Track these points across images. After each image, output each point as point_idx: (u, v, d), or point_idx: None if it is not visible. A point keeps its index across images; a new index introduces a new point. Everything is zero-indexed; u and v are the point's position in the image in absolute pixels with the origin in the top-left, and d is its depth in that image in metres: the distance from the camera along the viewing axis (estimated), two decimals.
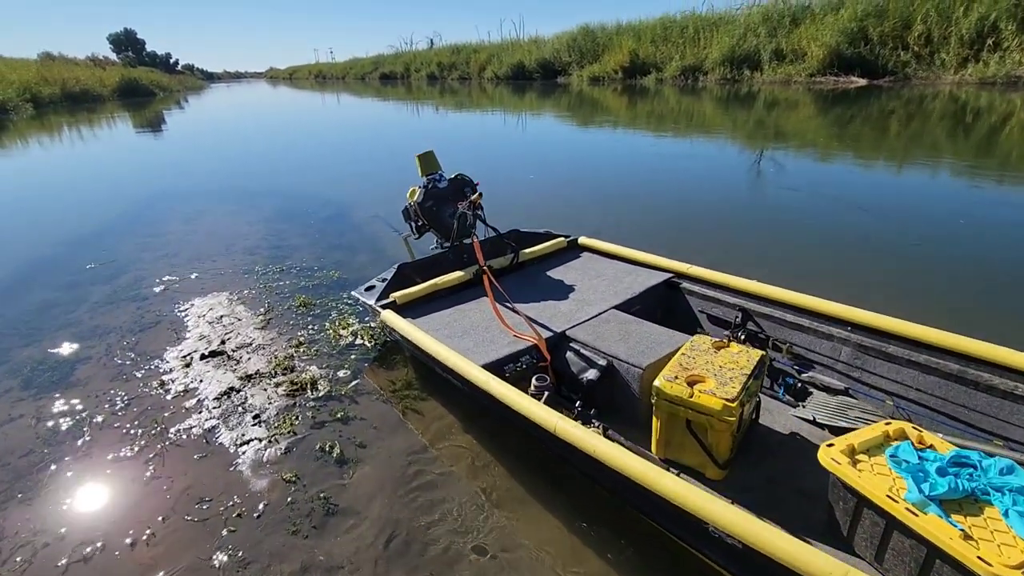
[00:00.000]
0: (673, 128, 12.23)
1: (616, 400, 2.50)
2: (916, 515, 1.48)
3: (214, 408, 2.74)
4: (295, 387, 2.86)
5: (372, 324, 3.50)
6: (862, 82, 17.01)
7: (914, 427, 1.85)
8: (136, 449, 2.49)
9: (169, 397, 2.87)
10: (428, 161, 3.56)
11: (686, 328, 2.85)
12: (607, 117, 14.94)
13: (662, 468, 1.78)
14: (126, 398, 2.89)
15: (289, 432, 2.53)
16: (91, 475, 2.36)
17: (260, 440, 2.49)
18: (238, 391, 2.87)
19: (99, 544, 2.00)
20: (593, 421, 2.25)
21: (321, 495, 2.17)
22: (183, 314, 3.85)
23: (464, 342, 2.68)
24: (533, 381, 2.40)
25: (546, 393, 2.34)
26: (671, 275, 3.19)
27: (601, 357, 2.52)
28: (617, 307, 2.92)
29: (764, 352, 2.28)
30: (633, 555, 1.91)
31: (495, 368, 2.47)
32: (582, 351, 2.60)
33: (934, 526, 1.44)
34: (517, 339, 2.68)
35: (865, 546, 1.68)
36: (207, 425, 2.62)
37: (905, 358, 2.31)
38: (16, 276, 4.83)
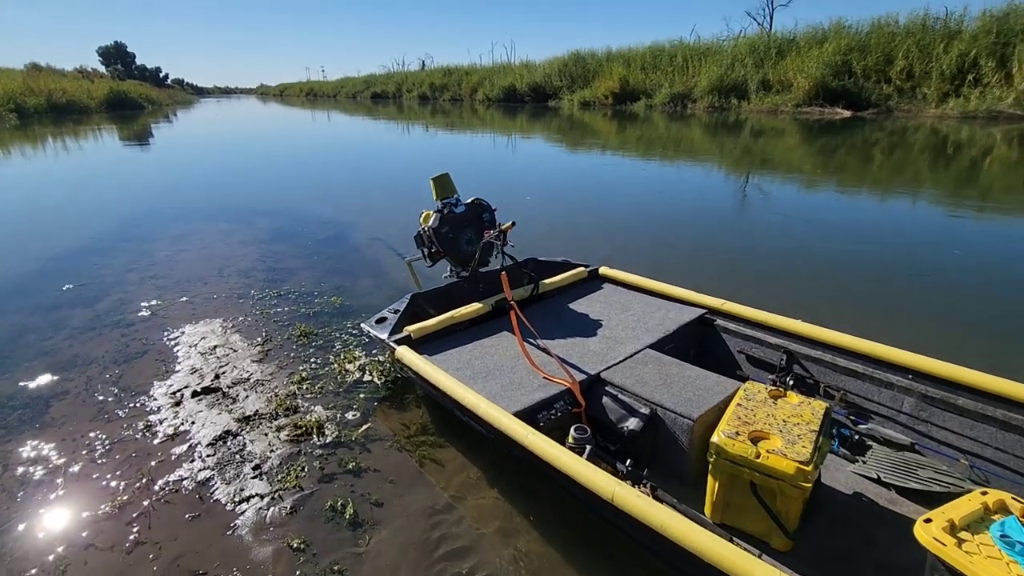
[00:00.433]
0: (662, 153, 12.23)
1: (660, 453, 2.25)
2: None
3: (208, 456, 2.42)
4: (299, 431, 2.56)
5: (381, 358, 3.21)
6: (847, 113, 17.31)
7: (1015, 498, 1.63)
8: (118, 506, 2.16)
9: (156, 442, 2.55)
10: (443, 184, 3.32)
11: (724, 369, 2.63)
12: (598, 141, 14.92)
13: (725, 538, 1.55)
14: (107, 442, 2.56)
15: (294, 487, 2.23)
16: (65, 538, 2.02)
17: (262, 497, 2.18)
18: (235, 435, 2.55)
19: None
20: (644, 481, 1.99)
21: (335, 567, 1.87)
22: (172, 343, 3.52)
23: (490, 384, 2.42)
24: (572, 433, 2.14)
25: (588, 447, 2.08)
26: (704, 311, 2.98)
27: (643, 404, 2.27)
28: (651, 346, 2.69)
29: (828, 405, 2.05)
30: None
31: (528, 416, 2.21)
32: (620, 397, 2.36)
33: None
34: (548, 382, 2.42)
35: None
36: (200, 477, 2.30)
37: (979, 412, 2.10)
38: None
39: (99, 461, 2.43)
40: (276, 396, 2.85)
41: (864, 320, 3.55)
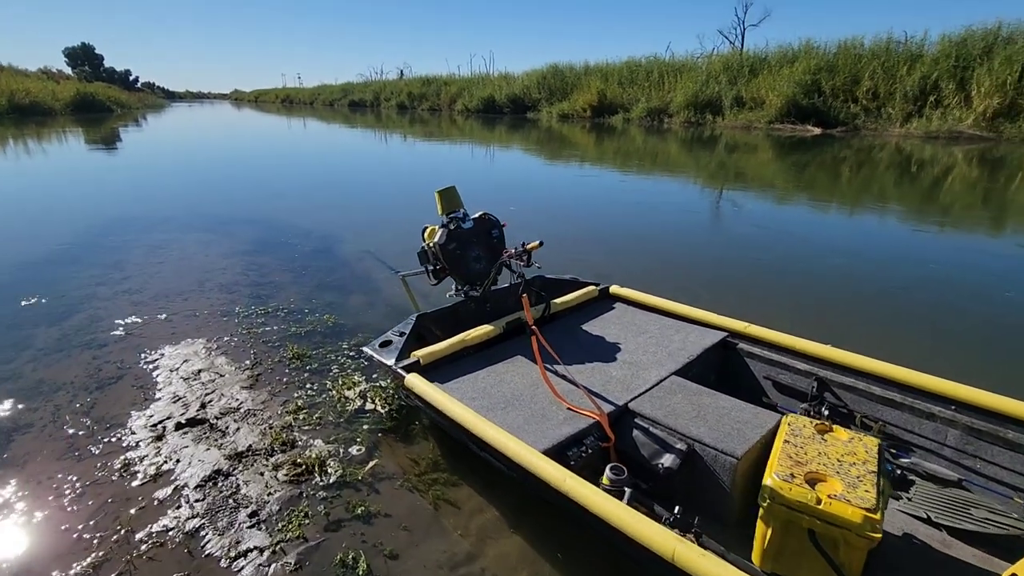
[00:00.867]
0: (639, 165, 12.25)
1: (696, 492, 2.07)
2: None
3: (197, 501, 2.14)
4: (299, 470, 2.29)
5: (383, 383, 2.97)
6: (817, 131, 17.70)
7: None
8: (93, 564, 1.87)
9: (136, 484, 2.25)
10: (449, 198, 3.10)
11: (749, 397, 2.48)
12: (578, 153, 14.88)
13: None
14: (79, 485, 2.25)
15: (298, 537, 1.97)
16: None
17: (261, 550, 1.91)
18: (227, 475, 2.27)
19: None
20: (694, 529, 1.80)
21: None
22: (151, 367, 3.20)
23: (511, 416, 2.21)
24: (608, 473, 1.95)
25: (627, 491, 1.88)
26: (726, 334, 2.83)
27: (678, 439, 2.09)
28: (676, 372, 2.52)
29: (880, 441, 1.91)
30: None
31: (558, 454, 2.01)
32: (652, 430, 2.17)
33: None
34: (573, 413, 2.23)
35: None
36: (189, 527, 2.02)
37: None
38: None
39: (70, 508, 2.13)
40: (271, 428, 2.57)
41: (843, 332, 3.46)
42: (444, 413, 2.19)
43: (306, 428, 2.60)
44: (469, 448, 2.35)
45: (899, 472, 2.19)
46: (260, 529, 2.00)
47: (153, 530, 2.01)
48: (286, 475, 2.27)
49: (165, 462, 2.37)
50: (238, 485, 2.22)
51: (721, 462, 1.98)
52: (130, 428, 2.61)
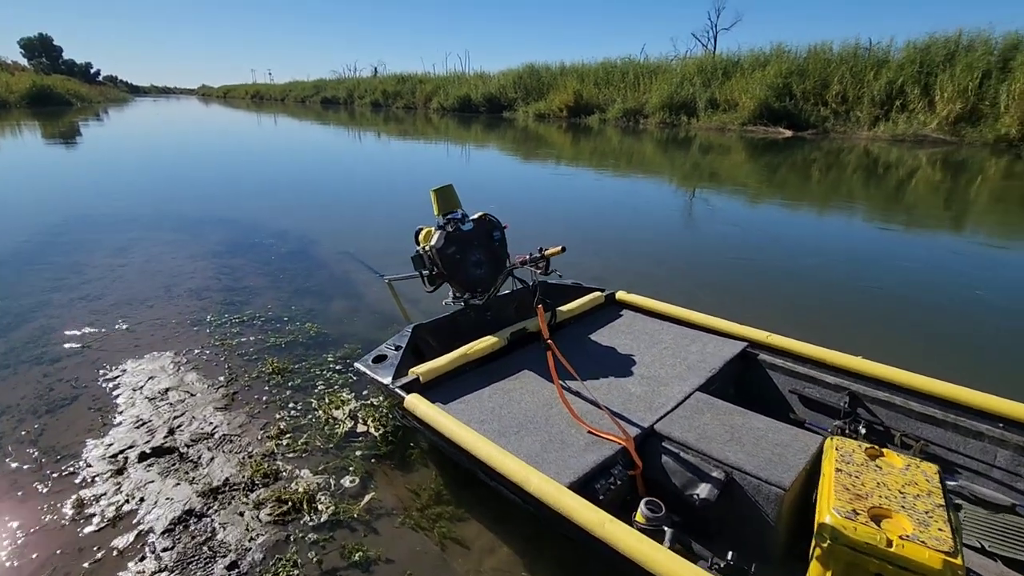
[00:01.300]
0: (615, 165, 12.15)
1: (734, 525, 1.86)
2: None
3: (165, 550, 1.82)
4: (285, 508, 1.99)
5: (375, 401, 2.67)
6: (788, 133, 17.91)
7: None
8: None
9: (92, 530, 1.91)
10: (446, 197, 2.82)
11: (773, 412, 2.28)
12: (554, 151, 14.69)
13: None
14: (21, 533, 1.90)
15: None
16: None
17: None
18: (200, 517, 1.96)
19: None
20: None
21: None
22: (111, 386, 2.83)
23: (527, 443, 1.95)
24: (643, 509, 1.71)
25: (667, 531, 1.65)
26: (746, 344, 2.63)
27: (715, 466, 1.87)
28: (700, 388, 2.31)
29: (938, 467, 1.72)
30: None
31: (584, 488, 1.77)
32: (683, 456, 1.95)
33: None
34: (595, 437, 1.98)
35: None
36: None
37: None
38: None
39: (8, 563, 1.78)
40: (250, 457, 2.26)
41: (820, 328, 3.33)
42: (453, 441, 1.92)
43: (291, 456, 2.29)
44: (477, 476, 2.09)
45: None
46: None
47: None
48: (270, 515, 1.96)
49: (127, 501, 2.03)
50: (214, 529, 1.90)
51: (765, 493, 1.77)
52: (85, 460, 2.26)
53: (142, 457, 2.25)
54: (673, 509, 1.91)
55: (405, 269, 2.86)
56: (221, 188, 9.12)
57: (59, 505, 2.02)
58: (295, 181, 10.14)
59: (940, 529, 1.46)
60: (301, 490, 2.07)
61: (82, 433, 2.44)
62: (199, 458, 2.25)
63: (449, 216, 2.77)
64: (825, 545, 1.51)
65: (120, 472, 2.18)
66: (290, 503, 2.00)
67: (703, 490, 1.85)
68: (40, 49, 65.76)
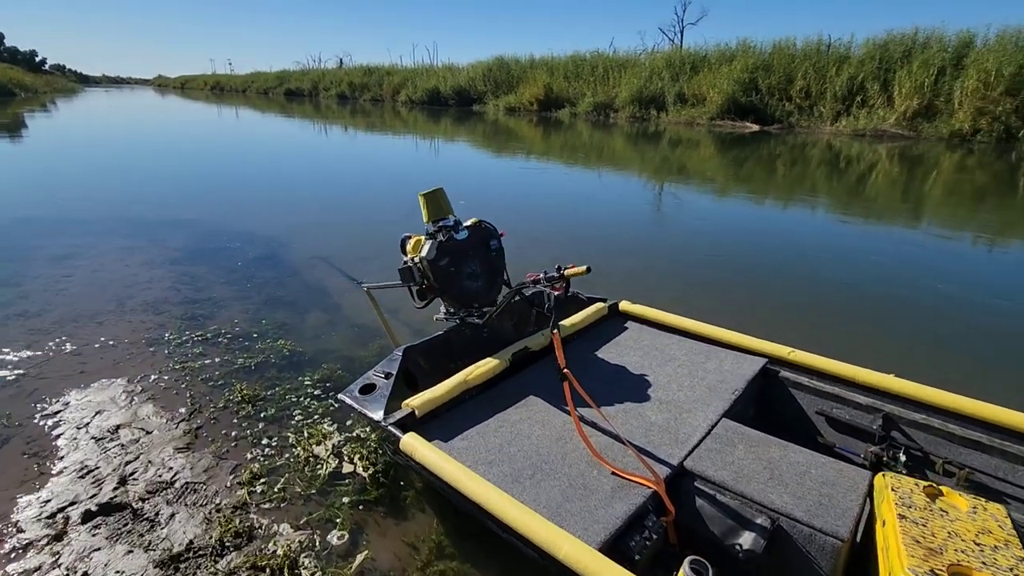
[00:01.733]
0: (585, 160, 12.00)
1: None
2: None
3: None
4: None
5: (361, 433, 2.36)
6: (755, 127, 18.07)
7: None
8: None
9: None
10: (436, 202, 2.50)
11: (797, 436, 2.09)
12: (523, 146, 14.41)
13: None
14: None
15: None
16: None
17: None
18: None
19: None
20: None
21: None
22: (51, 423, 2.42)
23: (544, 489, 1.68)
24: (686, 570, 1.46)
25: None
26: (766, 360, 2.41)
27: (758, 511, 1.65)
28: (726, 414, 2.08)
29: (1005, 508, 1.54)
30: None
31: (617, 547, 1.52)
32: (720, 498, 1.71)
33: None
34: (620, 480, 1.73)
35: None
36: None
37: None
38: None
39: None
40: (218, 511, 1.92)
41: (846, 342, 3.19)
42: (462, 493, 1.63)
43: (267, 507, 1.96)
44: (484, 524, 1.81)
45: None
46: None
47: None
48: None
49: None
50: None
51: (819, 544, 1.55)
52: (15, 521, 1.88)
53: (87, 516, 1.88)
54: (710, 558, 1.68)
55: (384, 276, 2.54)
56: (180, 186, 8.48)
57: None
58: (260, 178, 9.55)
59: None
60: (280, 552, 1.75)
61: (12, 486, 2.04)
62: (156, 515, 1.90)
63: (440, 223, 2.46)
64: None
65: (59, 538, 1.81)
66: (268, 570, 1.68)
67: (747, 539, 1.62)
68: None
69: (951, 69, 15.12)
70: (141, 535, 1.82)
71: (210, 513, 1.91)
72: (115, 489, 2.01)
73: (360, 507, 1.99)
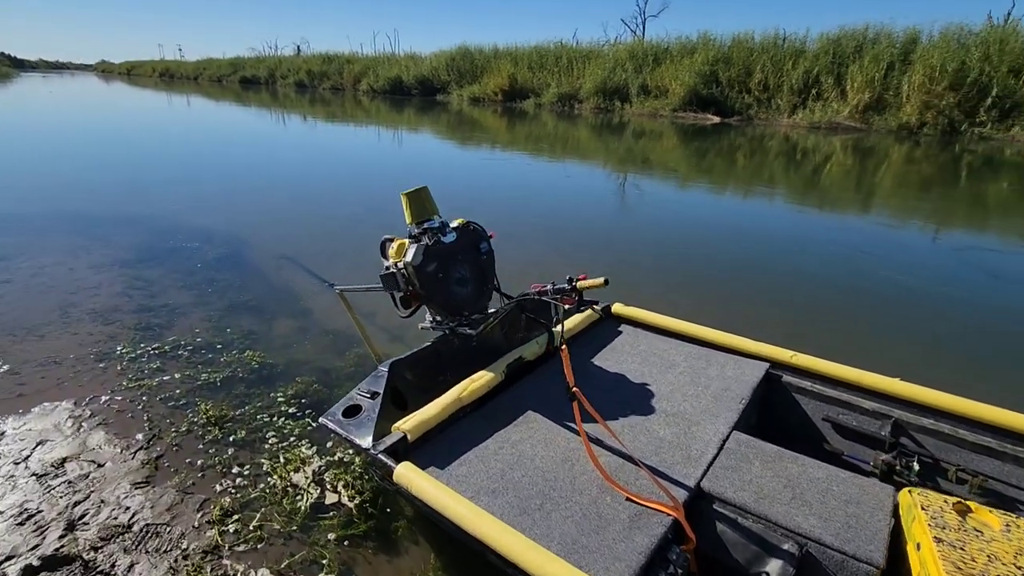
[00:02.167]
0: (551, 151, 11.89)
1: None
2: None
3: None
4: None
5: (344, 457, 2.14)
6: (716, 119, 18.30)
7: None
8: None
9: None
10: (420, 202, 2.28)
11: (801, 444, 2.00)
12: (488, 136, 14.17)
13: None
14: None
15: None
16: None
17: None
18: None
19: None
20: None
21: None
22: None
23: (557, 523, 1.52)
24: None
25: None
26: (768, 365, 2.32)
27: (783, 536, 1.54)
28: (736, 426, 1.97)
29: None
30: None
31: None
32: (742, 522, 1.60)
33: None
34: (636, 507, 1.59)
35: None
36: None
37: None
38: None
39: None
40: (186, 559, 1.68)
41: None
42: (466, 530, 1.46)
43: (241, 549, 1.73)
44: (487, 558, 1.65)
45: None
46: None
47: None
48: None
49: None
50: None
51: (852, 570, 1.45)
52: None
53: (27, 573, 1.61)
54: None
55: (356, 276, 2.31)
56: (128, 178, 7.85)
57: None
58: (217, 170, 8.98)
59: None
60: None
61: None
62: (112, 567, 1.64)
63: (426, 225, 2.24)
64: None
65: None
66: None
67: (774, 568, 1.51)
68: None
69: (899, 64, 15.64)
70: None
71: (175, 561, 1.67)
72: (61, 537, 1.73)
73: (347, 543, 1.79)
